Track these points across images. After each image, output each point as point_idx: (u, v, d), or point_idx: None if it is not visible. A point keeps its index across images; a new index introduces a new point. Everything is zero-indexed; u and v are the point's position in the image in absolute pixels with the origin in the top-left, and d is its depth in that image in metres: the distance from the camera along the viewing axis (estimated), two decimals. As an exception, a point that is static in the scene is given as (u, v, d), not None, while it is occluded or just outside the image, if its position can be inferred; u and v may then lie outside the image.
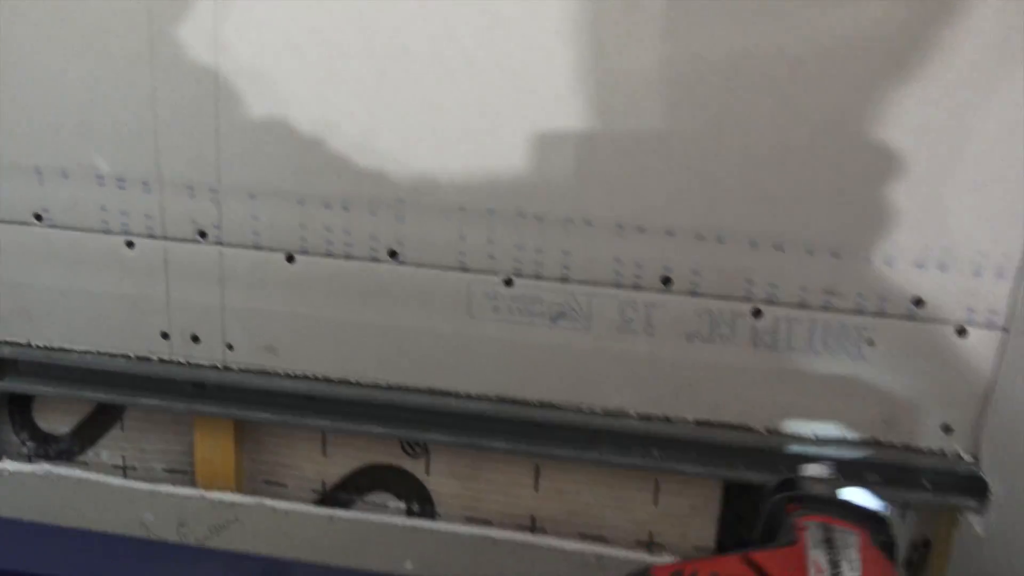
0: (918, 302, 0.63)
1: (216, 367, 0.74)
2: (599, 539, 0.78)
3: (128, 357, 0.75)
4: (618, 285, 0.67)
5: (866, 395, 0.66)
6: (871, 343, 0.65)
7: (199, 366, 0.74)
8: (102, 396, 0.77)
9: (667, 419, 0.69)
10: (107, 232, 0.71)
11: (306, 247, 0.69)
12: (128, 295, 0.73)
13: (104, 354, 0.75)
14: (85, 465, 0.83)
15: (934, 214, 0.61)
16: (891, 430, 0.67)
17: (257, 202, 0.69)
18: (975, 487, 0.65)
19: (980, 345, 0.63)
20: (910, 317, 0.64)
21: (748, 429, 0.69)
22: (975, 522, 0.65)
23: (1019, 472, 0.60)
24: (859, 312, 0.64)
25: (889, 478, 0.69)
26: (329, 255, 0.69)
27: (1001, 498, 0.62)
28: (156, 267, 0.72)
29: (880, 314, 0.64)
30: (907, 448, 0.67)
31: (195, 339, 0.73)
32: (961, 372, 0.64)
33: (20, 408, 0.83)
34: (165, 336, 0.74)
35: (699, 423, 0.69)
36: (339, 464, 0.81)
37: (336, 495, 0.82)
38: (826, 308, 0.65)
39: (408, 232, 0.68)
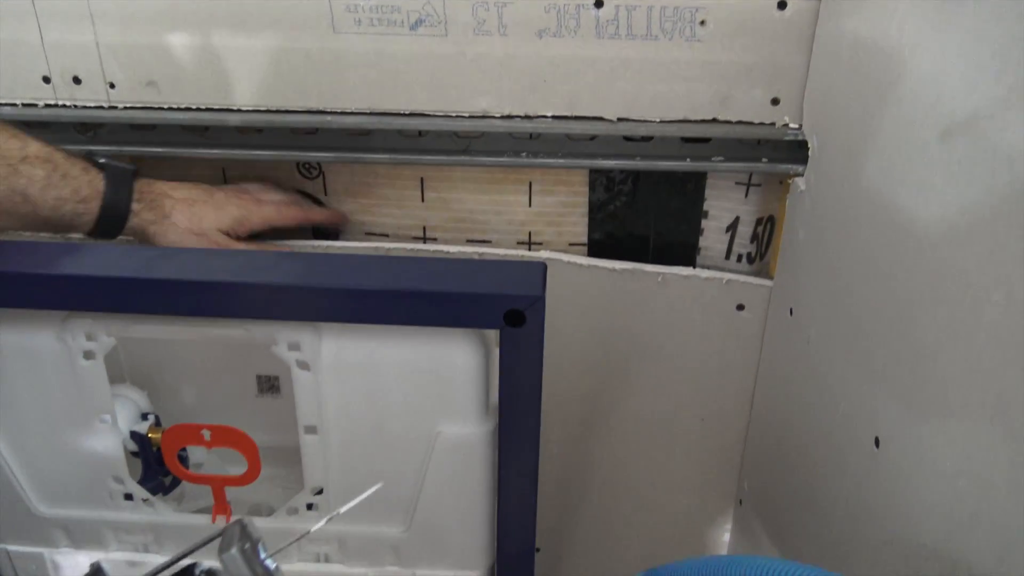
0: (742, -21, 0.69)
1: (102, 107, 0.77)
2: (484, 243, 0.87)
3: (14, 105, 0.78)
4: (469, -13, 0.71)
5: (703, 75, 0.73)
6: (703, 23, 0.70)
7: (85, 107, 0.77)
8: (-3, 147, 0.80)
9: (527, 117, 0.76)
10: (-34, -26, 0.72)
11: (167, -25, 0.72)
12: (3, 41, 0.75)
13: (-10, 104, 0.78)
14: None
15: None
16: (728, 108, 0.74)
17: (111, -69, 0.70)
18: (801, 154, 0.74)
19: (797, 17, 0.69)
20: (735, -6, 0.69)
21: (601, 119, 0.75)
22: (799, 182, 0.74)
23: (829, 127, 0.68)
24: (690, -6, 0.70)
25: (731, 156, 0.77)
26: (191, -19, 0.72)
27: (816, 152, 0.71)
28: (25, 9, 0.73)
29: (708, -6, 0.70)
30: (742, 123, 0.75)
31: (76, 81, 0.76)
32: (783, 45, 0.71)
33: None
34: (47, 80, 0.76)
35: (557, 117, 0.76)
36: (240, 198, 0.87)
37: (242, 228, 0.88)
38: (660, -8, 0.70)
39: (263, -50, 0.70)
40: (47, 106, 0.77)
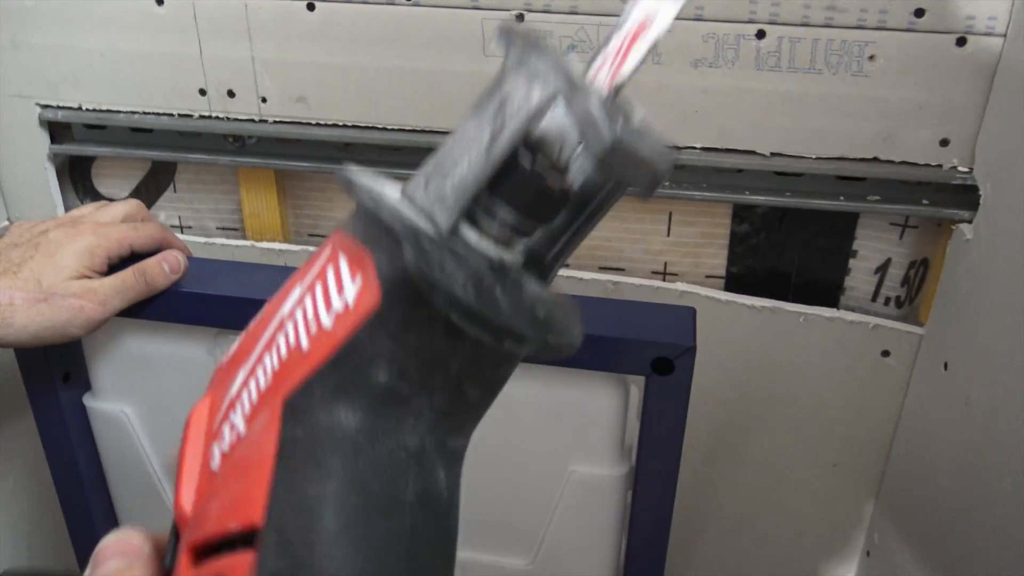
0: (919, 12, 0.64)
1: (253, 120, 0.79)
2: (618, 271, 0.85)
3: (171, 115, 0.80)
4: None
5: (867, 112, 0.69)
6: (872, 58, 0.66)
7: (237, 120, 0.79)
8: (154, 154, 0.83)
9: (676, 147, 0.73)
10: (136, -11, 0.75)
11: (324, -6, 0.73)
12: (164, 53, 0.77)
13: (150, 113, 0.81)
14: (147, 223, 0.90)
15: (938, -82, 0.61)
16: (891, 147, 0.70)
17: (274, -49, 0.71)
18: (969, 198, 0.69)
19: (979, 53, 0.65)
20: (911, 29, 0.65)
21: (753, 153, 0.72)
22: (966, 230, 0.69)
23: (1007, 173, 0.63)
24: (860, 26, 0.66)
25: (888, 196, 0.73)
26: (347, 0, 0.72)
27: (990, 199, 0.66)
28: (187, 23, 0.75)
29: (881, 27, 0.65)
30: (906, 164, 0.70)
31: (231, 94, 0.78)
32: (960, 83, 0.66)
33: (81, 175, 0.90)
34: (203, 92, 0.79)
35: (706, 149, 0.73)
36: (376, 213, 0.88)
37: (375, 242, 0.89)
38: (828, 25, 0.66)
39: (420, -28, 0.70)
40: (202, 117, 0.80)
